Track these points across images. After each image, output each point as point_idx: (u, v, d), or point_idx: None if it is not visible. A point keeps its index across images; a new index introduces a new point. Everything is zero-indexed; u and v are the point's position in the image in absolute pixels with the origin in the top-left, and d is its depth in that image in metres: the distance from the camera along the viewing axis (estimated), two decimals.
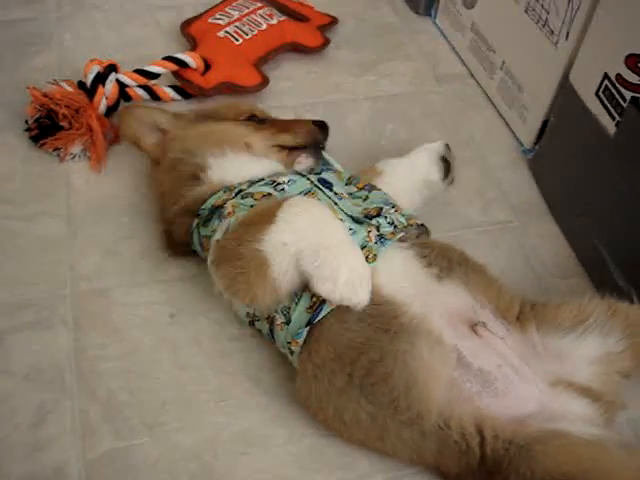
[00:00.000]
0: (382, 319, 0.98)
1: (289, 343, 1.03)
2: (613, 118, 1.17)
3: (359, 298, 0.95)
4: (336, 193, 1.13)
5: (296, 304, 1.01)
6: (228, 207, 1.10)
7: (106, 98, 1.42)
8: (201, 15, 1.67)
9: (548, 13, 1.35)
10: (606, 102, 1.18)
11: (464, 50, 1.68)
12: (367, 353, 0.97)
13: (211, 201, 1.14)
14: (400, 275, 1.04)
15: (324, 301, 0.98)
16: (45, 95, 1.38)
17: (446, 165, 1.30)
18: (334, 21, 1.74)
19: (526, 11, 1.41)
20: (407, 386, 0.95)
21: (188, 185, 1.18)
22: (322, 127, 1.30)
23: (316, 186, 1.13)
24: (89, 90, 1.41)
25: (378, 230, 1.06)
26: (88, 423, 1.07)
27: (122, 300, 1.21)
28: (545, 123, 1.42)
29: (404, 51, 1.72)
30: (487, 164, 1.48)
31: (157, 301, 1.21)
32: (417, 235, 1.14)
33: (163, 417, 1.09)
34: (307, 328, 1.00)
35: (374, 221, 1.08)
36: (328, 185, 1.15)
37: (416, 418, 0.96)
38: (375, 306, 0.98)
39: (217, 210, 1.13)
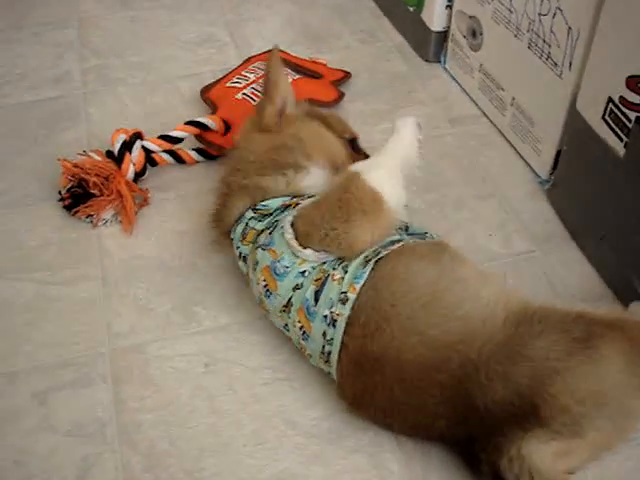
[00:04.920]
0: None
1: (344, 293, 1.07)
2: (621, 139, 1.19)
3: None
4: None
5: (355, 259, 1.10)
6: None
7: (133, 164, 1.48)
8: (219, 80, 1.74)
9: (550, 46, 1.39)
10: (613, 125, 1.21)
11: (475, 91, 1.72)
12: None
13: (279, 201, 1.20)
14: None
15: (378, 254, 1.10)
16: (76, 165, 1.46)
17: None
18: (347, 75, 1.80)
19: (529, 47, 1.46)
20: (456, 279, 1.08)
21: (274, 170, 1.24)
22: None
23: None
24: (117, 158, 1.48)
25: None
26: (131, 473, 1.10)
27: (158, 354, 1.25)
28: (559, 153, 1.45)
29: (417, 98, 1.77)
30: (506, 198, 1.51)
31: (191, 352, 1.25)
32: None
33: (202, 463, 1.11)
34: (370, 268, 1.08)
35: None
36: None
37: (457, 301, 1.05)
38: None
39: (285, 209, 1.18)
